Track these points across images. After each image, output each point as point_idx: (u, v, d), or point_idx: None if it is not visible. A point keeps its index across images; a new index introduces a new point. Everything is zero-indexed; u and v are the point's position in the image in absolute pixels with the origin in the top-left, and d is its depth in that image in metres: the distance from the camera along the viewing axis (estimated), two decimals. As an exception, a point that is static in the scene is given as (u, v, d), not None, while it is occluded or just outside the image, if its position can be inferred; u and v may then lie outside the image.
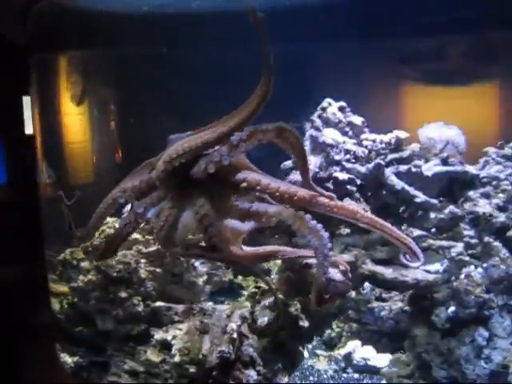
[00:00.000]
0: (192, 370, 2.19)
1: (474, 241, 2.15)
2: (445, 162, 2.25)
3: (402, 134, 2.26)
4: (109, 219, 2.86)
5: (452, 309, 2.06)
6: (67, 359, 2.85)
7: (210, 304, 2.34)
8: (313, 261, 2.17)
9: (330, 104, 2.32)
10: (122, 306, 2.48)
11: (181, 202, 1.91)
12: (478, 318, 2.04)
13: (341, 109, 2.31)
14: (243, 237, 1.96)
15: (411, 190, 2.12)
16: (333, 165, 2.20)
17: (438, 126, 2.36)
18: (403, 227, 2.19)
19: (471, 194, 2.23)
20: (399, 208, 2.21)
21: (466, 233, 2.16)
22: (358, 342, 2.84)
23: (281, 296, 2.22)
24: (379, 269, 2.12)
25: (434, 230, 2.19)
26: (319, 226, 1.67)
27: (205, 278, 2.64)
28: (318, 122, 2.21)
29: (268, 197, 1.78)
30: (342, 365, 2.81)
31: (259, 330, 2.21)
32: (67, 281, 2.64)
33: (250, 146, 1.66)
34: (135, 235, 2.65)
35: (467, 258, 2.05)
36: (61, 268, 2.68)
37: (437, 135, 2.32)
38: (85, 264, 2.61)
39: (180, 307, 2.49)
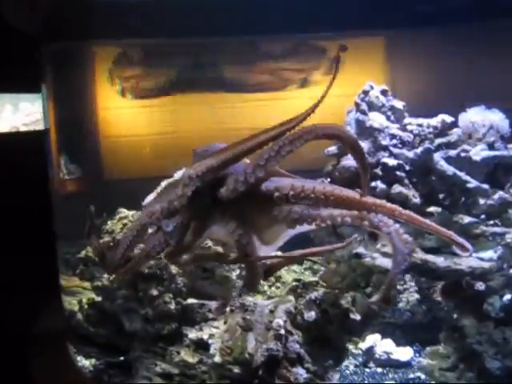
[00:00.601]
0: (236, 370, 2.06)
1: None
2: (491, 146, 2.18)
3: (448, 118, 2.18)
4: (127, 212, 2.70)
5: (508, 297, 2.00)
6: (84, 362, 2.69)
7: (250, 299, 2.21)
8: (363, 250, 2.08)
9: (372, 87, 2.22)
10: (151, 305, 2.33)
11: (209, 223, 1.83)
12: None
13: (383, 92, 2.21)
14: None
15: (463, 176, 2.05)
16: (380, 150, 2.10)
17: (481, 109, 2.29)
18: (453, 215, 2.11)
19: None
20: (448, 194, 2.13)
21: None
22: (377, 336, 2.76)
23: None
24: (431, 257, 2.04)
25: (483, 216, 2.12)
26: (390, 221, 1.60)
27: (238, 272, 2.51)
28: (364, 106, 2.10)
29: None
30: (361, 359, 2.72)
31: (305, 326, 2.10)
32: (90, 279, 2.47)
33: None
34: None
35: (524, 244, 1.99)
36: (82, 266, 2.51)
37: (480, 119, 2.25)
38: (108, 261, 2.44)
39: (213, 304, 2.36)
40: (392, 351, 2.71)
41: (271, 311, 2.14)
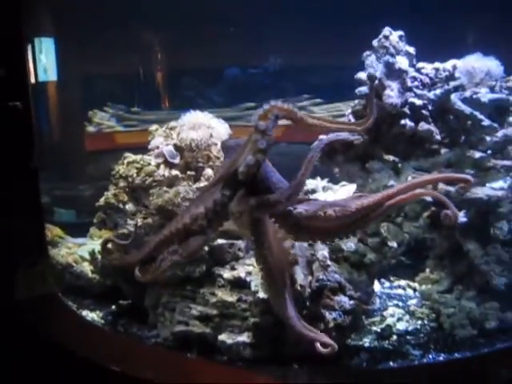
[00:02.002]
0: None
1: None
2: (492, 90, 2.43)
3: (458, 63, 2.39)
4: (134, 156, 2.60)
5: (517, 220, 2.28)
6: (91, 315, 2.60)
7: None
8: (394, 183, 2.23)
9: (390, 32, 2.35)
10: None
11: None
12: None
13: (400, 37, 2.35)
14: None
15: (478, 115, 2.27)
16: (407, 91, 2.26)
17: (478, 56, 2.51)
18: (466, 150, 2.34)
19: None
20: (462, 132, 2.35)
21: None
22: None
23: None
24: (452, 188, 2.25)
25: (489, 151, 2.37)
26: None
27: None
28: (392, 49, 2.23)
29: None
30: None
31: (344, 257, 2.24)
32: (114, 227, 2.36)
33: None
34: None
35: (529, 174, 2.27)
36: (102, 214, 2.39)
37: (477, 65, 2.48)
38: (129, 207, 2.37)
39: (241, 243, 2.40)
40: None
41: (310, 244, 2.24)
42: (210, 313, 2.24)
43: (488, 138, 2.36)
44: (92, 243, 3.08)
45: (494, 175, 2.28)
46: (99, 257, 2.53)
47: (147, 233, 2.31)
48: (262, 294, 2.17)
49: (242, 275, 2.26)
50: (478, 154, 2.33)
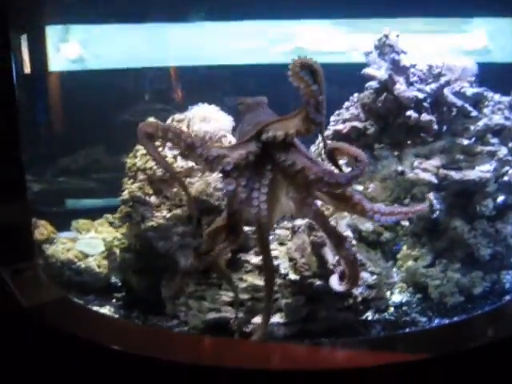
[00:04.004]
0: (319, 282, 2.30)
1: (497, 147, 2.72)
2: (471, 84, 2.76)
3: (448, 61, 2.69)
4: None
5: (501, 198, 2.63)
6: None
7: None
8: (405, 168, 2.47)
9: (389, 32, 2.59)
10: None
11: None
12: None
13: (397, 36, 2.61)
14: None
15: (468, 107, 2.58)
16: (410, 85, 2.51)
17: (453, 56, 2.84)
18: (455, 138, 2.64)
19: (486, 111, 2.79)
20: (451, 122, 2.65)
21: (491, 141, 2.72)
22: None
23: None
24: (449, 172, 2.54)
25: (473, 139, 2.70)
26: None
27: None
28: (397, 48, 2.47)
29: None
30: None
31: (360, 237, 2.44)
32: (141, 221, 2.36)
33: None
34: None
35: (511, 158, 2.62)
36: (128, 208, 2.38)
37: (456, 63, 2.80)
38: (153, 199, 2.40)
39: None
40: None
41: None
42: (241, 298, 2.34)
43: (472, 127, 2.68)
44: (84, 237, 3.04)
45: (481, 159, 2.60)
46: (117, 251, 2.52)
47: (175, 224, 2.36)
48: (292, 276, 2.31)
49: (270, 259, 2.38)
50: (466, 142, 2.64)
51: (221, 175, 1.99)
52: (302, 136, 1.95)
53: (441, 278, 2.80)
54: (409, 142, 2.58)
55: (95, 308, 2.64)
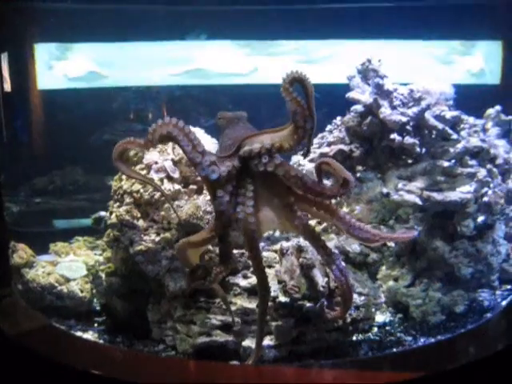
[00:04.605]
0: (308, 304, 2.30)
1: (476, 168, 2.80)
2: (449, 108, 2.85)
3: (428, 85, 2.77)
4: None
5: (481, 218, 2.71)
6: (87, 336, 2.55)
7: (298, 240, 2.42)
8: (390, 190, 2.52)
9: (371, 57, 2.66)
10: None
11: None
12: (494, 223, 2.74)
13: (379, 61, 2.68)
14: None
15: (448, 129, 2.66)
16: (393, 109, 2.58)
17: (431, 80, 2.93)
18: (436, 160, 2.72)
19: (463, 133, 2.88)
20: (432, 145, 2.73)
21: (470, 162, 2.80)
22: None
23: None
24: (432, 194, 2.61)
25: (453, 161, 2.78)
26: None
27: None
28: (381, 72, 2.53)
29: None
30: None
31: (350, 259, 2.47)
32: (129, 245, 2.32)
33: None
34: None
35: (490, 179, 2.71)
36: (116, 232, 2.33)
37: (434, 87, 2.89)
38: (141, 222, 2.37)
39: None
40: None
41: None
42: (230, 321, 2.33)
43: (451, 149, 2.76)
44: (64, 260, 2.98)
45: (461, 181, 2.67)
46: (103, 276, 2.47)
47: (164, 247, 2.33)
48: (282, 298, 2.31)
49: (259, 282, 2.38)
50: (446, 163, 2.71)
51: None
52: (284, 151, 2.00)
53: (422, 297, 2.85)
54: (390, 165, 2.62)
55: (78, 333, 2.58)
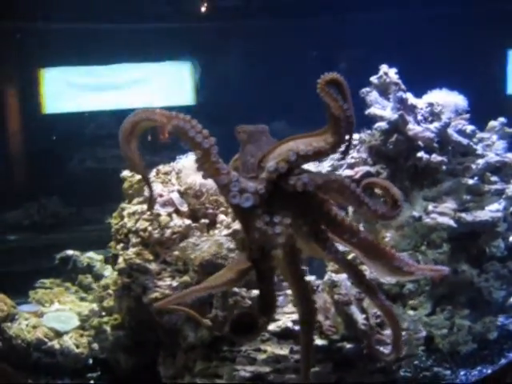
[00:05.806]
0: (348, 345, 2.05)
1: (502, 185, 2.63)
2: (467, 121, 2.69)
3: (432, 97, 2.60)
4: (133, 207, 2.26)
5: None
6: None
7: (330, 276, 2.17)
8: (422, 213, 2.32)
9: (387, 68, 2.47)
10: (222, 305, 2.07)
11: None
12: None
13: (396, 73, 2.49)
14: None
15: (473, 145, 2.49)
16: (416, 124, 2.38)
17: (443, 92, 2.76)
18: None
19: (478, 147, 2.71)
20: (451, 161, 2.55)
21: (492, 179, 2.64)
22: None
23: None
24: (462, 214, 2.42)
25: (476, 178, 2.60)
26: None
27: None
28: (402, 86, 2.34)
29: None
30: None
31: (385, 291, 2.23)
32: (142, 292, 1.98)
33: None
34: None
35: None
36: (126, 278, 2.00)
37: (443, 100, 2.72)
38: (152, 265, 2.06)
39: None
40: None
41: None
42: (262, 371, 2.04)
43: (473, 166, 2.59)
44: (50, 310, 2.62)
45: (489, 199, 2.50)
46: (108, 329, 2.13)
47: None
48: (319, 341, 2.05)
49: (290, 325, 2.11)
50: (471, 181, 2.53)
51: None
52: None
53: (447, 326, 2.63)
54: (413, 185, 2.42)
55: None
